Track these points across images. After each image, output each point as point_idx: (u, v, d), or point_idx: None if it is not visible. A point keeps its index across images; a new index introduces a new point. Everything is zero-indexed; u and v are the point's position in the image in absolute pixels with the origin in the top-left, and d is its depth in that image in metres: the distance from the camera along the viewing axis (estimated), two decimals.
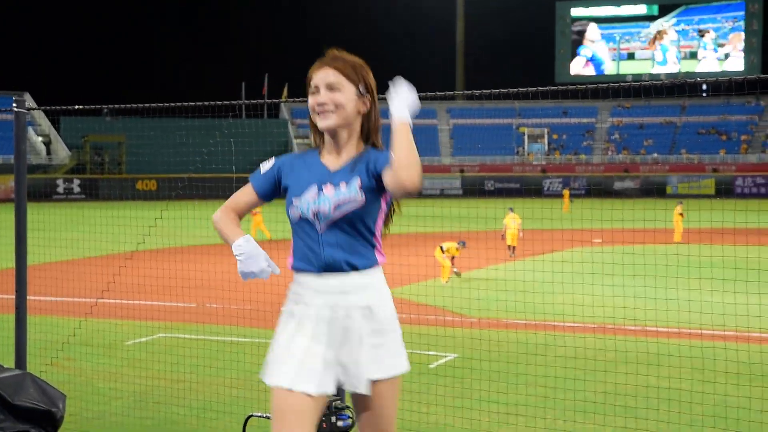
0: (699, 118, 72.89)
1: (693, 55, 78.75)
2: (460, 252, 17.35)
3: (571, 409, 7.65)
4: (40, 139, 63.02)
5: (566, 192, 43.99)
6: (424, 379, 8.46)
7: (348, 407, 4.33)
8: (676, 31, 78.83)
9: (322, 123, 3.37)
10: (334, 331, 3.34)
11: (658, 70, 78.92)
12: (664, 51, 79.35)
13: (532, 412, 7.39)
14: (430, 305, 13.31)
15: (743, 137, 69.36)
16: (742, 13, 77.06)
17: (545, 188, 62.83)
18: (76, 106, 7.00)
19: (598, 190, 57.41)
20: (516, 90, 5.61)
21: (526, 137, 71.93)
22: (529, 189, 57.04)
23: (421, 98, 5.75)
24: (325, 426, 3.78)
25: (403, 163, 3.14)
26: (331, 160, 3.43)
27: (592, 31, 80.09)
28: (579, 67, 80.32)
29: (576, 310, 11.29)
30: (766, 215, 27.49)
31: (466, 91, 5.80)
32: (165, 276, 12.08)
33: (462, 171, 66.08)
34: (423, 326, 11.21)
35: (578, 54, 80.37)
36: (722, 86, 58.20)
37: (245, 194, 3.53)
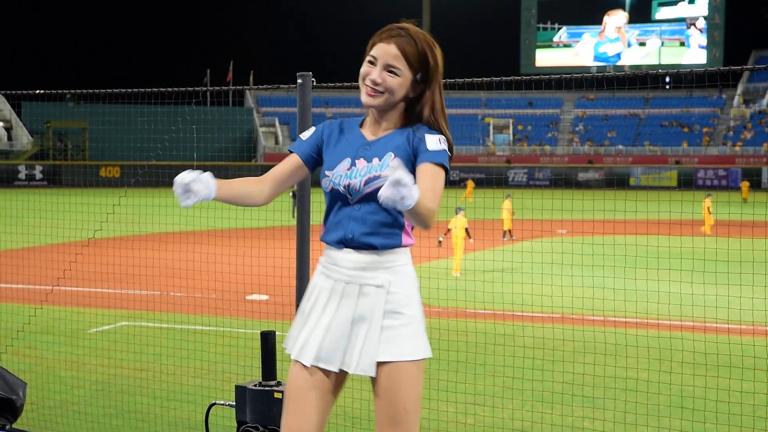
0: (662, 111, 73.67)
1: None
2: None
3: (534, 398, 7.73)
4: (1, 124, 62.16)
5: (470, 182, 43.56)
6: None
7: None
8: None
9: (365, 99, 3.26)
10: (347, 306, 3.24)
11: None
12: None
13: (495, 402, 7.46)
14: None
15: (705, 130, 70.21)
16: None
17: (510, 179, 63.19)
18: (38, 91, 6.93)
19: (562, 180, 57.82)
20: (480, 80, 5.62)
21: (491, 128, 72.20)
22: (492, 179, 57.23)
23: None
24: None
25: (419, 221, 3.00)
26: (370, 131, 3.34)
27: None
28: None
29: (538, 300, 11.39)
30: (724, 206, 27.94)
31: None
32: (128, 264, 12.02)
33: None
34: None
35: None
36: (683, 78, 58.78)
37: (286, 161, 3.39)
